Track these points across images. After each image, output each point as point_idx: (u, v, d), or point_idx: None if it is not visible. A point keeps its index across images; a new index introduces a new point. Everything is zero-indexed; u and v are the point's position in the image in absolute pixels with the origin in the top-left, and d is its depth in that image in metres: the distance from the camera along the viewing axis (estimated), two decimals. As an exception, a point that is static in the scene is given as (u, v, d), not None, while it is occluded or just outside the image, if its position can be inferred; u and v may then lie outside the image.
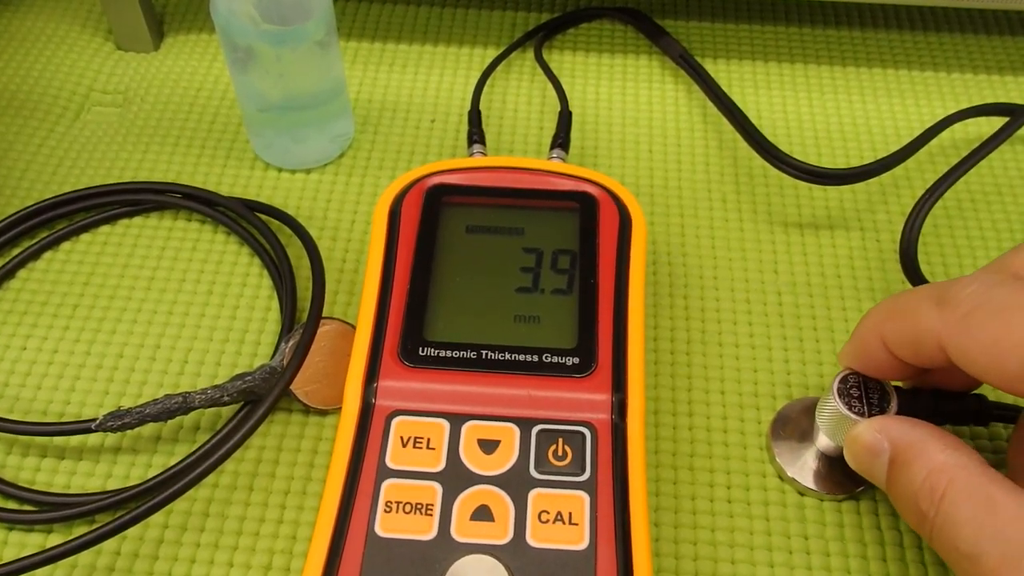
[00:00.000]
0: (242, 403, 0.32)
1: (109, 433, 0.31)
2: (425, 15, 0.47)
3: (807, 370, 0.34)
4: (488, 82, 0.43)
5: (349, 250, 0.37)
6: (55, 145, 0.41)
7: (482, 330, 0.30)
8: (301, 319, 0.34)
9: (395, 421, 0.28)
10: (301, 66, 0.36)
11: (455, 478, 0.27)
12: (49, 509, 0.29)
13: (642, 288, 0.31)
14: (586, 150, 0.41)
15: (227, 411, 0.32)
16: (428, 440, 0.28)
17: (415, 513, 0.26)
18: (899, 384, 0.29)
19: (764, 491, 0.31)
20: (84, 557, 0.29)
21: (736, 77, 0.44)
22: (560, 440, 0.28)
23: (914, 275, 0.35)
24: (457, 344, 0.29)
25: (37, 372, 0.34)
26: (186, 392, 0.30)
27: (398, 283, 0.31)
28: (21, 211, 0.37)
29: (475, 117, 0.40)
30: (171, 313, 0.35)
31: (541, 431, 0.28)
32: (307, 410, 0.32)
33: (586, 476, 0.27)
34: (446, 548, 0.26)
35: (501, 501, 0.27)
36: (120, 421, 0.29)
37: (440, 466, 0.27)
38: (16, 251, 0.37)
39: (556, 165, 0.35)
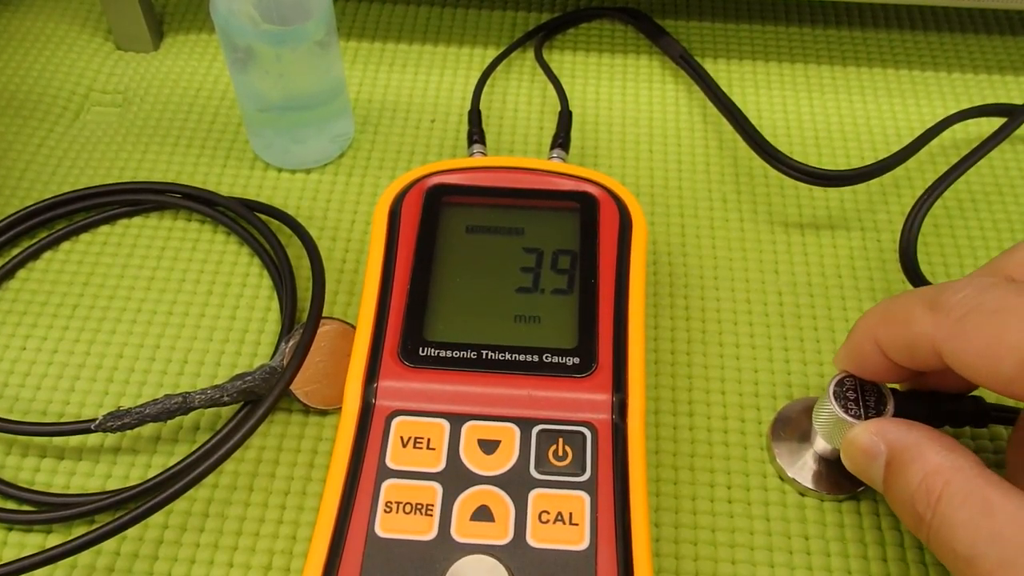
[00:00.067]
0: (242, 403, 0.32)
1: (109, 433, 0.31)
2: (425, 15, 0.47)
3: (807, 370, 0.34)
4: (488, 82, 0.43)
5: (349, 250, 0.37)
6: (55, 145, 0.41)
7: (482, 330, 0.30)
8: (301, 319, 0.34)
9: (395, 421, 0.28)
10: (301, 66, 0.36)
11: (455, 478, 0.27)
12: (48, 509, 0.29)
13: (642, 288, 0.31)
14: (586, 150, 0.41)
15: (227, 411, 0.32)
16: (428, 440, 0.28)
17: (415, 513, 0.26)
18: (896, 386, 0.29)
19: (764, 491, 0.31)
20: (84, 557, 0.29)
21: (736, 77, 0.44)
22: (560, 440, 0.28)
23: (914, 275, 0.35)
24: (457, 344, 0.29)
25: (36, 372, 0.34)
26: (186, 392, 0.30)
27: (398, 283, 0.31)
28: (20, 211, 0.37)
29: (475, 117, 0.40)
30: (171, 313, 0.35)
31: (541, 431, 0.28)
32: (307, 410, 0.32)
33: (586, 476, 0.27)
34: (446, 548, 0.26)
35: (501, 501, 0.27)
36: (120, 421, 0.29)
37: (440, 466, 0.27)
38: (16, 251, 0.37)
39: (556, 165, 0.35)
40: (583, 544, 0.26)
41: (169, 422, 0.32)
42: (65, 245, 0.37)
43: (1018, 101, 0.43)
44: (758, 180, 0.40)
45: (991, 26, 0.47)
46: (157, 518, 0.30)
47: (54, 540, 0.29)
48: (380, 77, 0.44)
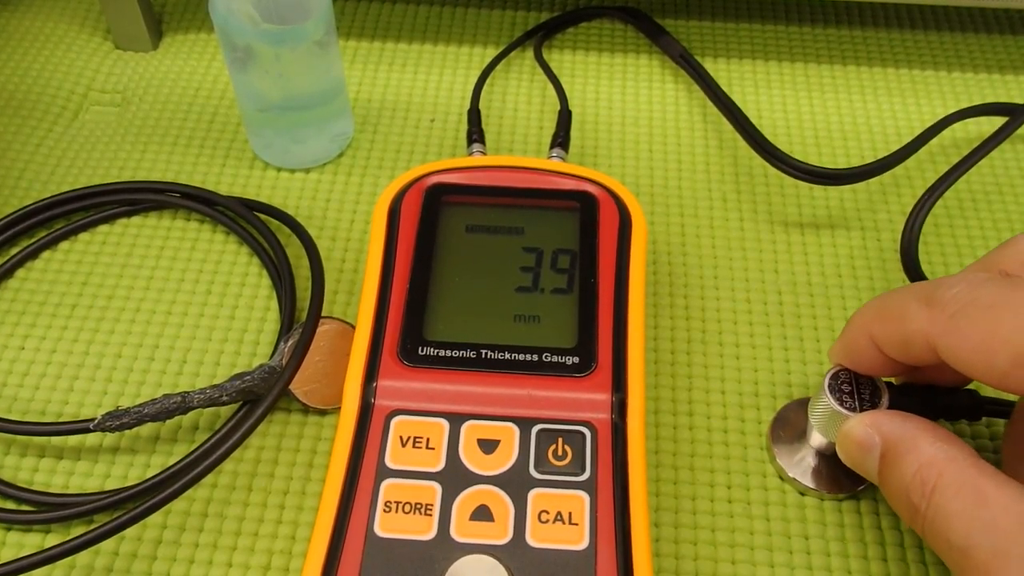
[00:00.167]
0: (241, 403, 0.32)
1: (107, 433, 0.31)
2: (424, 14, 0.47)
3: (807, 370, 0.34)
4: (488, 81, 0.43)
5: (348, 249, 0.37)
6: (53, 144, 0.41)
7: (482, 329, 0.30)
8: (300, 319, 0.34)
9: (394, 421, 0.28)
10: (300, 66, 0.35)
11: (455, 478, 0.27)
12: (47, 509, 0.29)
13: (642, 288, 0.31)
14: (586, 149, 0.41)
15: (226, 411, 0.32)
16: (427, 440, 0.28)
17: (414, 513, 0.26)
18: (891, 380, 0.29)
19: (764, 491, 0.31)
20: (82, 557, 0.29)
21: (736, 76, 0.44)
22: (560, 440, 0.28)
23: (915, 274, 0.35)
24: (457, 344, 0.29)
25: (35, 372, 0.33)
26: (185, 392, 0.30)
27: (397, 282, 0.31)
28: (19, 210, 0.37)
29: (475, 116, 0.40)
30: (170, 313, 0.35)
31: (541, 431, 0.28)
32: (306, 410, 0.32)
33: (586, 476, 0.27)
34: (446, 548, 0.26)
35: (501, 501, 0.27)
36: (118, 421, 0.29)
37: (440, 466, 0.27)
38: (14, 250, 0.37)
39: (556, 164, 0.35)
40: (583, 544, 0.26)
41: (168, 422, 0.32)
42: (64, 244, 0.37)
43: (1018, 100, 0.43)
44: (758, 179, 0.40)
45: (991, 25, 0.47)
46: (156, 518, 0.30)
47: (53, 540, 0.29)
48: (379, 76, 0.44)
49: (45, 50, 0.45)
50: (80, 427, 0.30)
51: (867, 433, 0.26)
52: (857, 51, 0.45)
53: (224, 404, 0.30)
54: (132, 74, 0.44)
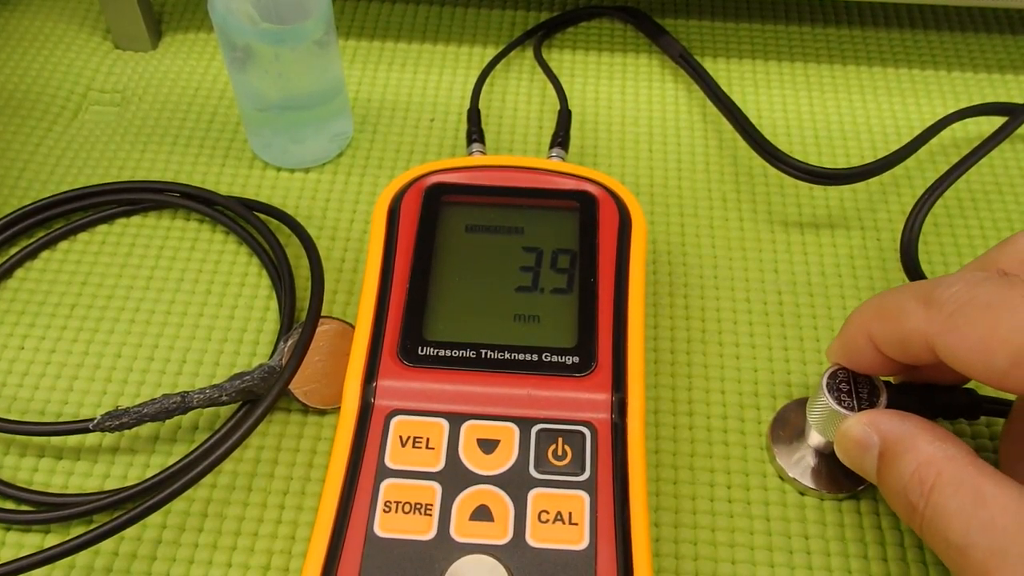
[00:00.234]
0: (240, 403, 0.31)
1: (107, 433, 0.31)
2: (424, 14, 0.47)
3: (807, 370, 0.34)
4: (487, 81, 0.43)
5: (348, 249, 0.37)
6: (53, 144, 0.41)
7: (482, 329, 0.30)
8: (300, 318, 0.34)
9: (394, 421, 0.28)
10: (300, 65, 0.35)
11: (454, 478, 0.27)
12: (47, 509, 0.29)
13: (642, 287, 0.31)
14: (586, 149, 0.41)
15: (225, 411, 0.32)
16: (427, 440, 0.28)
17: (414, 513, 0.26)
18: (889, 379, 0.29)
19: (764, 491, 0.31)
20: (82, 557, 0.29)
21: (736, 76, 0.44)
22: (560, 440, 0.28)
23: (915, 274, 0.35)
24: (457, 343, 0.29)
25: (35, 372, 0.33)
26: (184, 392, 0.30)
27: (397, 282, 0.31)
28: (19, 210, 0.37)
29: (474, 116, 0.40)
30: (169, 312, 0.35)
31: (541, 431, 0.28)
32: (306, 410, 0.32)
33: (586, 476, 0.27)
34: (445, 548, 0.26)
35: (501, 501, 0.26)
36: (118, 421, 0.29)
37: (439, 466, 0.27)
38: (14, 250, 0.37)
39: (556, 164, 0.35)
40: (583, 544, 0.26)
41: (167, 422, 0.32)
42: (63, 244, 0.37)
43: (1018, 100, 0.43)
44: (758, 179, 0.40)
45: (991, 25, 0.47)
46: (155, 518, 0.30)
47: (52, 540, 0.29)
48: (379, 76, 0.44)
49: (44, 50, 0.45)
50: (80, 427, 0.30)
51: (865, 432, 0.26)
52: (857, 51, 0.45)
53: (224, 404, 0.30)
54: (132, 74, 0.44)
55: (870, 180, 0.38)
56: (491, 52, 0.45)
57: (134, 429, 0.31)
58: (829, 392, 0.28)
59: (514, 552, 0.26)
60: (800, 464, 0.30)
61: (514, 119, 0.42)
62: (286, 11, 0.34)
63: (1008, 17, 0.47)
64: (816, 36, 0.46)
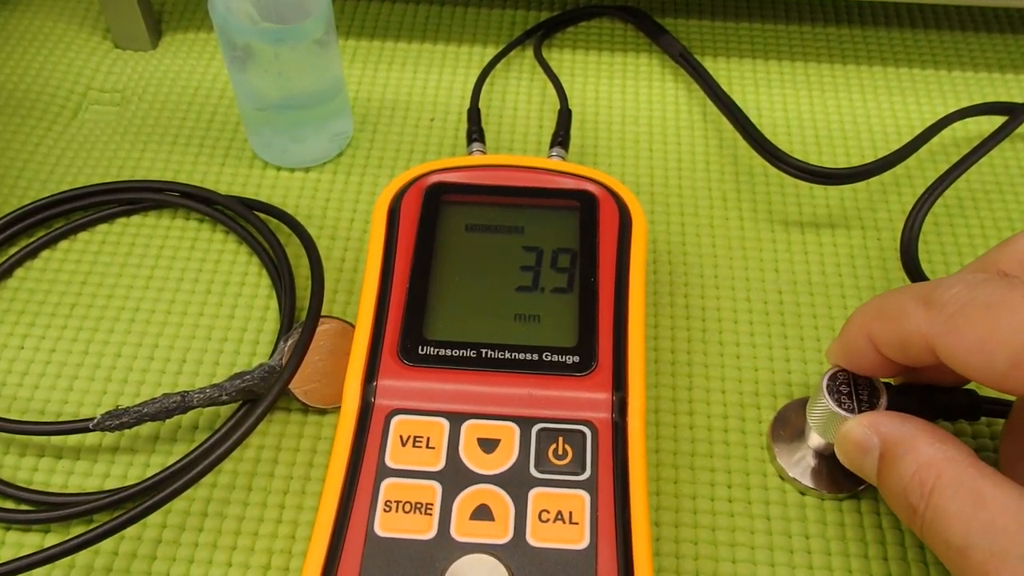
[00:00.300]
0: (241, 402, 0.31)
1: (107, 432, 0.31)
2: (424, 13, 0.47)
3: (807, 369, 0.34)
4: (488, 80, 0.43)
5: (348, 249, 0.37)
6: (53, 144, 0.41)
7: (482, 329, 0.30)
8: (300, 318, 0.34)
9: (394, 420, 0.28)
10: (300, 65, 0.35)
11: (455, 477, 0.27)
12: (46, 509, 0.29)
13: (642, 287, 0.31)
14: (586, 148, 0.41)
15: (225, 410, 0.32)
16: (428, 439, 0.28)
17: (414, 512, 0.26)
18: (889, 381, 0.29)
19: (765, 490, 0.31)
20: (82, 557, 0.29)
21: (736, 75, 0.44)
22: (560, 439, 0.28)
23: (915, 273, 0.35)
24: (457, 343, 0.29)
25: (35, 371, 0.33)
26: (184, 391, 0.30)
27: (397, 282, 0.31)
28: (19, 210, 0.37)
29: (474, 115, 0.40)
30: (169, 312, 0.35)
31: (541, 430, 0.28)
32: (306, 409, 0.32)
33: (586, 475, 0.27)
34: (446, 548, 0.26)
35: (501, 500, 0.26)
36: (118, 420, 0.29)
37: (440, 465, 0.27)
38: (14, 250, 0.37)
39: (556, 163, 0.35)
40: (583, 543, 0.26)
41: (167, 421, 0.32)
42: (63, 244, 0.37)
43: (1018, 99, 0.43)
44: (758, 178, 0.40)
45: (991, 24, 0.47)
46: (155, 518, 0.30)
47: (52, 540, 0.29)
48: (379, 76, 0.44)
49: (44, 49, 0.45)
50: (79, 426, 0.30)
51: (865, 434, 0.26)
52: (857, 50, 0.45)
53: (224, 403, 0.30)
54: (131, 73, 0.44)
55: (870, 180, 0.38)
56: (491, 52, 0.45)
57: (134, 429, 0.31)
58: (829, 394, 0.28)
59: (514, 551, 0.26)
60: (800, 464, 0.30)
61: (514, 118, 0.42)
62: (286, 11, 0.34)
63: (1008, 17, 0.47)
64: (816, 35, 0.46)
